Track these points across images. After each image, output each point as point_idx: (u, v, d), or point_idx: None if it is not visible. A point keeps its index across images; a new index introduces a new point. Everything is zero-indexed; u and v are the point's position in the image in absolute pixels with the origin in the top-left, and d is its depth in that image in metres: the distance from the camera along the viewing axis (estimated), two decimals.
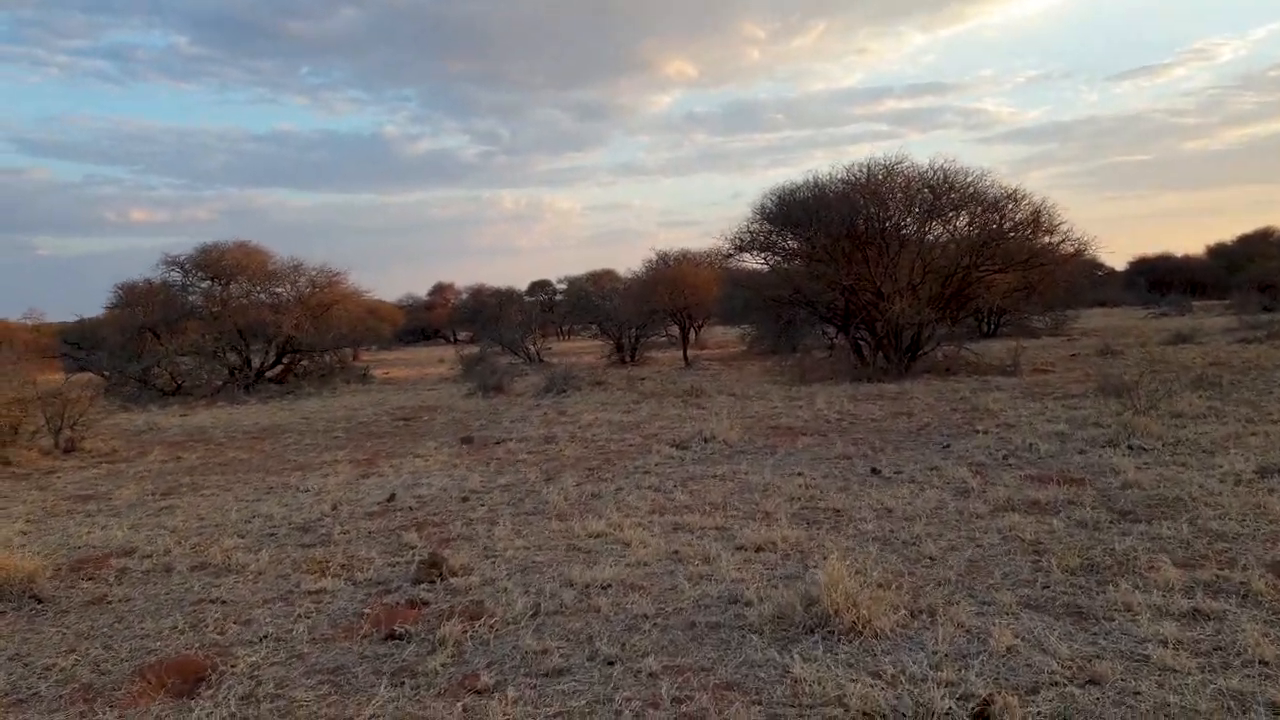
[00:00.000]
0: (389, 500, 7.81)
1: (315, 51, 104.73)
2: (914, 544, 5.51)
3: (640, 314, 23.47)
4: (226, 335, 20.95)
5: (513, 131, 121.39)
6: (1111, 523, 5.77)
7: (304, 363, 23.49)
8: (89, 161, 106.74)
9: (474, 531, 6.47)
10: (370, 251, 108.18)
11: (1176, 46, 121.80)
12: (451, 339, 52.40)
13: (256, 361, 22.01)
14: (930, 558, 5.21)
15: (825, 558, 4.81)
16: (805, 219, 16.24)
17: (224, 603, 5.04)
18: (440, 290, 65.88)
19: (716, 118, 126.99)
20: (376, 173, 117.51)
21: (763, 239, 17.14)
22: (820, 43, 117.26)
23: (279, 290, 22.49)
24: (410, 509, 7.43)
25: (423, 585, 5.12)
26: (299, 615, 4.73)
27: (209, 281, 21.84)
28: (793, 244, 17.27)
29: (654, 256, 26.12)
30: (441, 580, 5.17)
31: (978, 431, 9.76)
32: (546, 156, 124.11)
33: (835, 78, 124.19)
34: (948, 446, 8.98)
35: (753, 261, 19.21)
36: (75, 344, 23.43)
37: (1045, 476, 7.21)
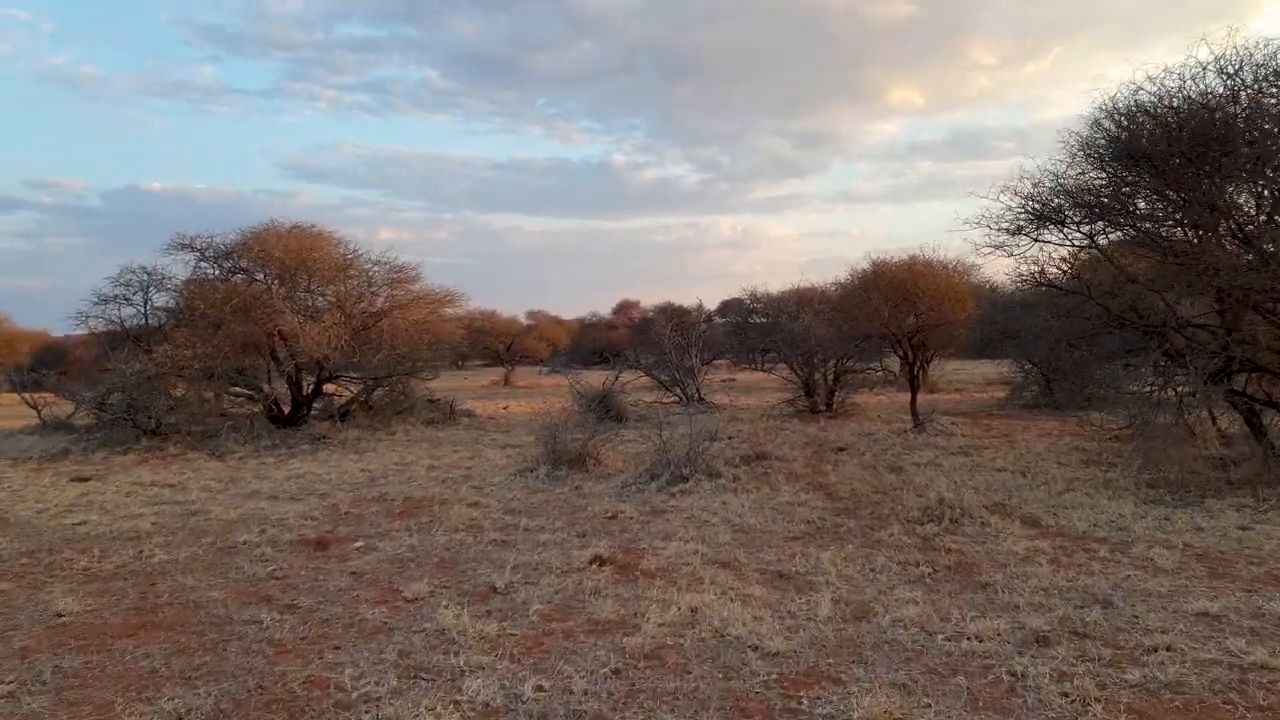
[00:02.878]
0: None
1: (552, 84, 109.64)
2: None
3: (841, 340, 15.20)
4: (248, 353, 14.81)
5: (732, 159, 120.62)
6: None
7: (374, 393, 17.10)
8: (347, 186, 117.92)
9: None
10: (595, 275, 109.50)
11: None
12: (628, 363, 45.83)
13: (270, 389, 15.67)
14: None
15: None
16: (1186, 155, 7.46)
17: None
18: (624, 308, 59.61)
19: (941, 145, 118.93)
20: (604, 199, 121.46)
21: (1089, 198, 8.38)
22: (1054, 69, 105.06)
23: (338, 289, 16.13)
24: None
25: None
26: None
27: (241, 275, 15.78)
28: (1148, 205, 8.40)
29: (868, 264, 17.29)
30: None
31: None
32: (765, 184, 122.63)
33: (1068, 104, 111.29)
34: None
35: (1039, 253, 10.05)
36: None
37: None
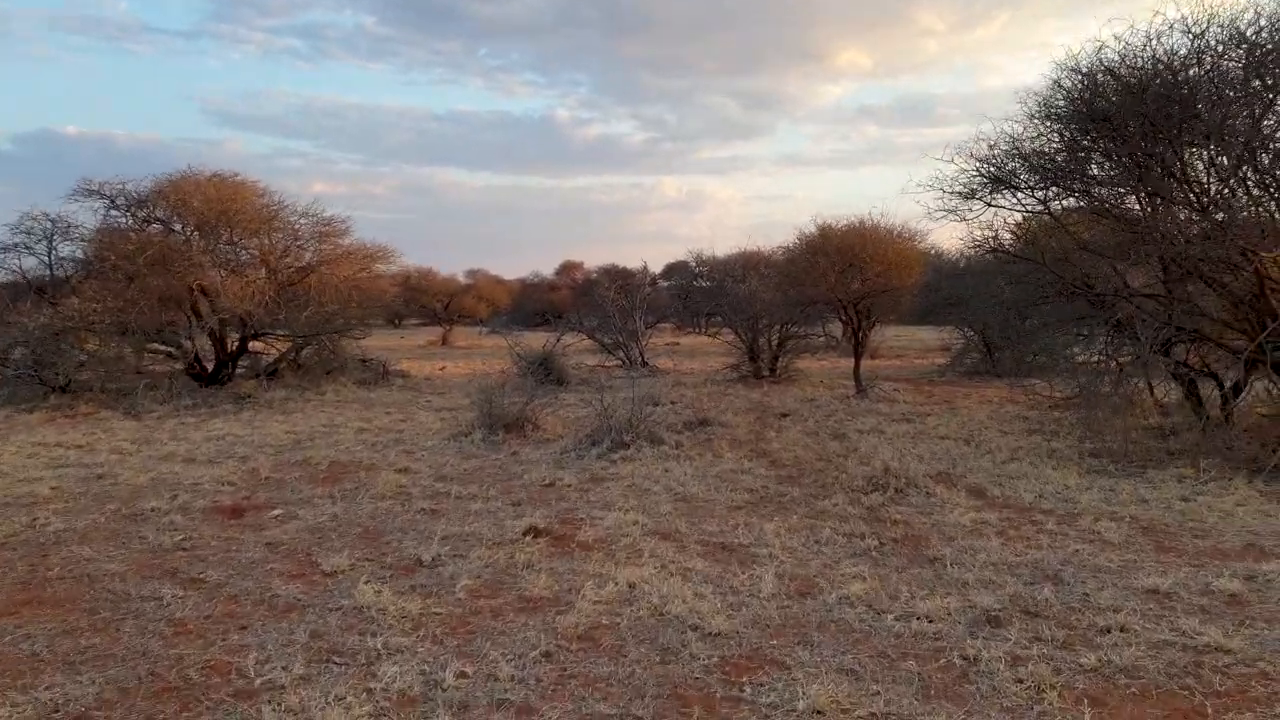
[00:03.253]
0: None
1: (496, 34, 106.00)
2: None
3: (786, 305, 14.95)
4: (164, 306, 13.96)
5: (679, 118, 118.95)
6: None
7: (303, 352, 16.39)
8: (278, 135, 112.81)
9: None
10: (537, 233, 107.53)
11: None
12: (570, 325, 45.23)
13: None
14: None
15: None
16: (1147, 118, 7.31)
17: None
18: (568, 269, 58.83)
19: (888, 110, 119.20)
20: (547, 155, 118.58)
21: (1044, 161, 8.21)
22: (1002, 34, 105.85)
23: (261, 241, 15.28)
24: None
25: None
26: None
27: (157, 225, 14.84)
28: (1102, 170, 8.26)
29: (814, 228, 16.95)
30: None
31: None
32: (712, 144, 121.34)
33: (1014, 72, 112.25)
34: None
35: (992, 219, 9.90)
36: None
37: None
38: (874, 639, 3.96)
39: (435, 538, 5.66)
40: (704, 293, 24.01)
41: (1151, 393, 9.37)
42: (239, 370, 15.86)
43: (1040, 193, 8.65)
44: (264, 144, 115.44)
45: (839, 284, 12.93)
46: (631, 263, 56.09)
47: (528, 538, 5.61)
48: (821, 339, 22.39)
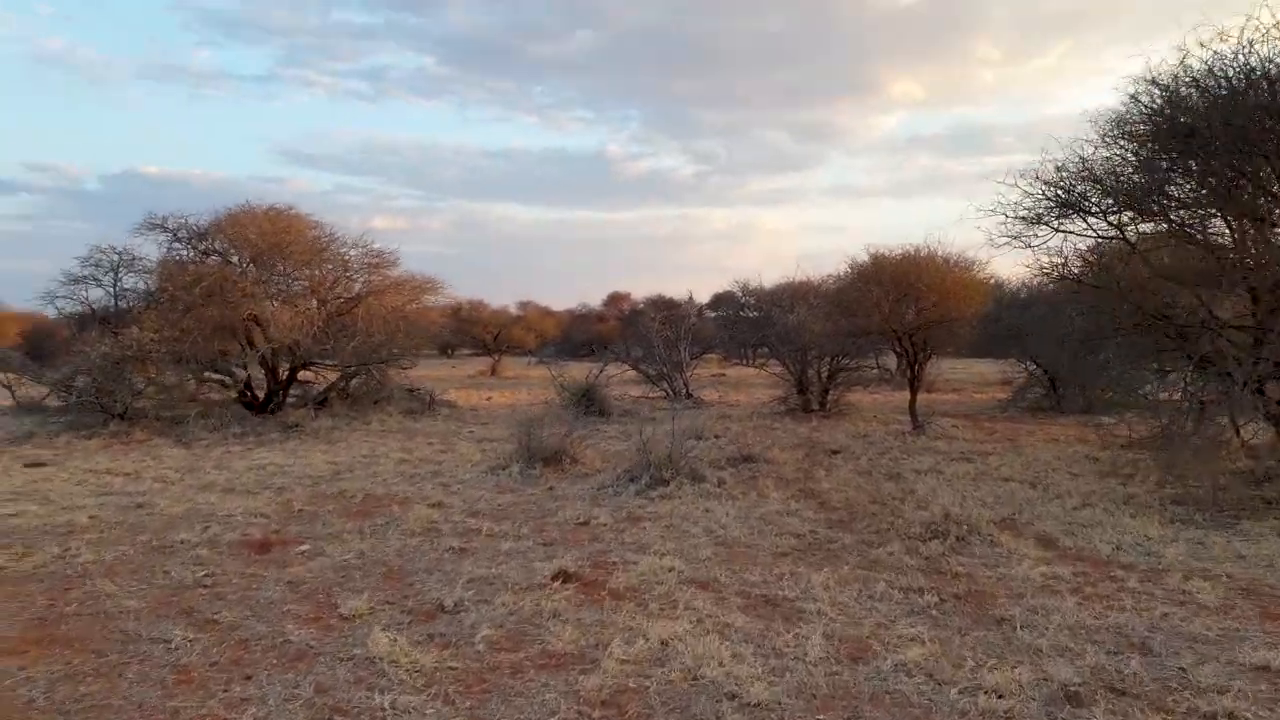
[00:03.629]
0: None
1: (550, 72, 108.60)
2: None
3: (837, 336, 14.42)
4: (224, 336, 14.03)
5: (729, 151, 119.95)
6: None
7: (352, 381, 16.37)
8: (341, 173, 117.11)
9: None
10: (587, 266, 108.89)
11: None
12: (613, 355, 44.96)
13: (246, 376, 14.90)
14: None
15: None
16: (1238, 133, 6.72)
17: None
18: (615, 300, 58.77)
19: (942, 140, 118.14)
20: (597, 189, 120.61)
21: (1119, 183, 7.62)
22: (1060, 64, 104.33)
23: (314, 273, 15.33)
24: None
25: None
26: None
27: (216, 257, 14.98)
28: (1183, 191, 7.65)
29: (866, 257, 16.34)
30: None
31: None
32: (762, 176, 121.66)
33: (1073, 101, 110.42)
34: None
35: (1061, 245, 9.24)
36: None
37: None
38: (935, 716, 3.50)
39: (460, 580, 5.32)
40: (750, 323, 23.49)
41: (1238, 434, 8.68)
42: (290, 399, 15.90)
43: (1114, 217, 8.10)
44: (327, 180, 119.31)
45: (893, 314, 12.40)
46: (679, 294, 55.79)
47: (556, 583, 5.24)
48: (874, 371, 21.83)
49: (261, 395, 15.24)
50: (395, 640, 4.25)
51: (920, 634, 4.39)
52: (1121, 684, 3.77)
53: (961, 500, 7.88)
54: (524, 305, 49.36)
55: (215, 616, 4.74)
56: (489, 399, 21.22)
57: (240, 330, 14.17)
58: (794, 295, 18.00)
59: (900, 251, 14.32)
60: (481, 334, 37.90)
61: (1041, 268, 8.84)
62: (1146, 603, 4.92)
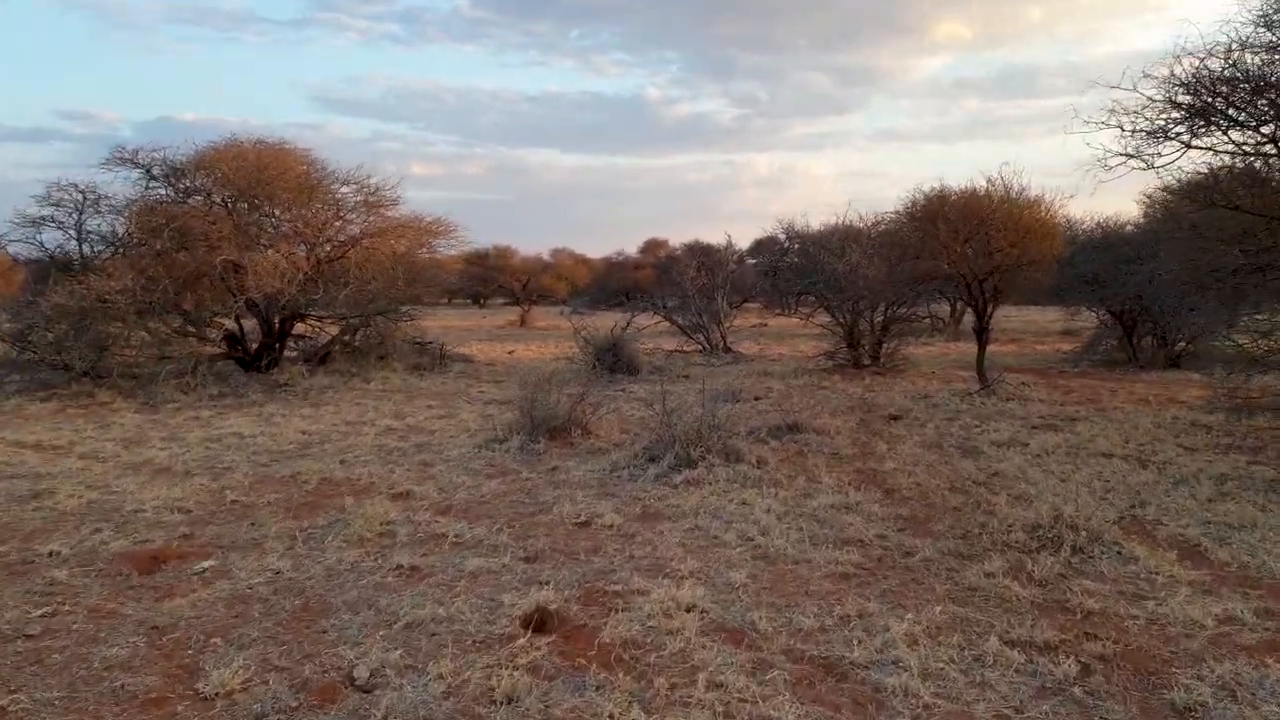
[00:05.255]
0: None
1: (586, 14, 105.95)
2: None
3: (896, 282, 12.55)
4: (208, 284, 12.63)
5: (771, 94, 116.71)
6: None
7: (358, 334, 14.98)
8: (377, 119, 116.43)
9: None
10: (628, 213, 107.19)
11: None
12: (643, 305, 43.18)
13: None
14: None
15: None
16: None
17: None
18: (652, 247, 56.80)
19: (988, 82, 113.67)
20: (637, 135, 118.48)
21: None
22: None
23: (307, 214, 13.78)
24: None
25: None
26: None
27: (199, 197, 13.50)
28: None
29: (923, 195, 14.22)
30: None
31: None
32: (804, 120, 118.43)
33: (1126, 39, 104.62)
34: None
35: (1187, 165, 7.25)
36: None
37: None
38: None
39: (395, 625, 3.83)
40: (794, 269, 21.65)
41: None
42: (292, 354, 14.58)
43: (1268, 127, 6.22)
44: (364, 127, 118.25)
45: (963, 257, 10.54)
46: (719, 240, 53.73)
47: (526, 632, 3.72)
48: (926, 321, 19.99)
49: (255, 349, 13.90)
50: None
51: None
52: None
53: (1063, 488, 6.21)
54: (556, 252, 47.74)
55: (3, 703, 3.23)
56: (511, 352, 19.79)
57: (216, 279, 12.71)
58: (844, 238, 16.12)
59: (962, 189, 12.41)
60: (509, 282, 36.42)
61: (1168, 191, 6.96)
62: None
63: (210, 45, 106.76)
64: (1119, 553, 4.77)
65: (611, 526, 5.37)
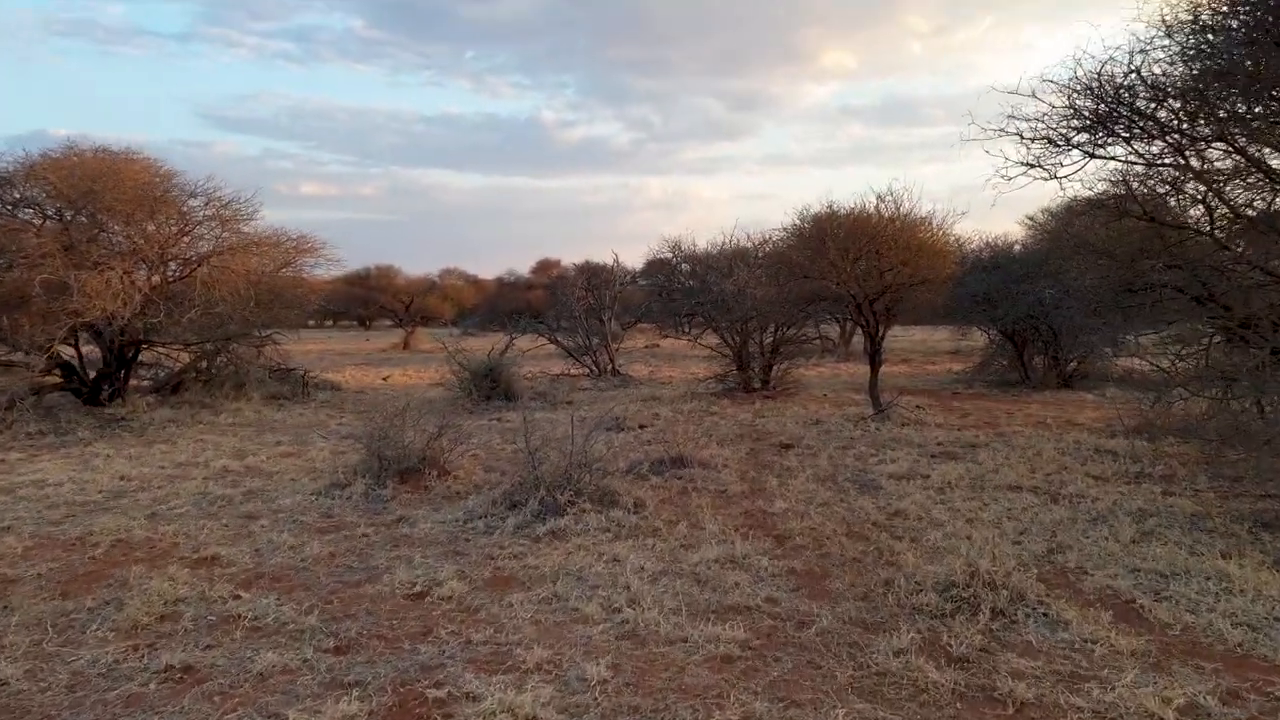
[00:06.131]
0: None
1: (482, 36, 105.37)
2: None
3: (784, 303, 11.95)
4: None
5: (665, 119, 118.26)
6: None
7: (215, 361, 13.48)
8: (269, 137, 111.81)
9: None
10: (525, 234, 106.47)
11: None
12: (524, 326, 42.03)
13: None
14: None
15: None
16: None
17: None
18: (545, 268, 55.75)
19: (873, 110, 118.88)
20: (534, 157, 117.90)
21: (1192, 83, 5.27)
22: (986, 36, 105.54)
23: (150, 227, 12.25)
24: None
25: None
26: None
27: (30, 210, 11.84)
28: None
29: (813, 212, 13.83)
30: None
31: None
32: (697, 144, 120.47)
33: (996, 72, 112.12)
34: None
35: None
36: None
37: None
38: None
39: None
40: (685, 291, 21.08)
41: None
42: (145, 382, 13.01)
43: (1172, 136, 5.79)
44: (255, 146, 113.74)
45: (853, 276, 9.99)
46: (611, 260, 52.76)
47: None
48: (816, 342, 19.68)
49: (94, 380, 12.25)
50: None
51: None
52: None
53: (973, 530, 5.58)
54: (445, 273, 46.11)
55: None
56: (386, 378, 18.47)
57: (40, 301, 11.07)
58: (732, 258, 15.58)
59: (852, 208, 11.97)
60: (392, 303, 34.76)
61: (1072, 204, 6.51)
62: None
63: (89, 59, 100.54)
64: (1045, 615, 4.10)
65: (451, 599, 4.40)
